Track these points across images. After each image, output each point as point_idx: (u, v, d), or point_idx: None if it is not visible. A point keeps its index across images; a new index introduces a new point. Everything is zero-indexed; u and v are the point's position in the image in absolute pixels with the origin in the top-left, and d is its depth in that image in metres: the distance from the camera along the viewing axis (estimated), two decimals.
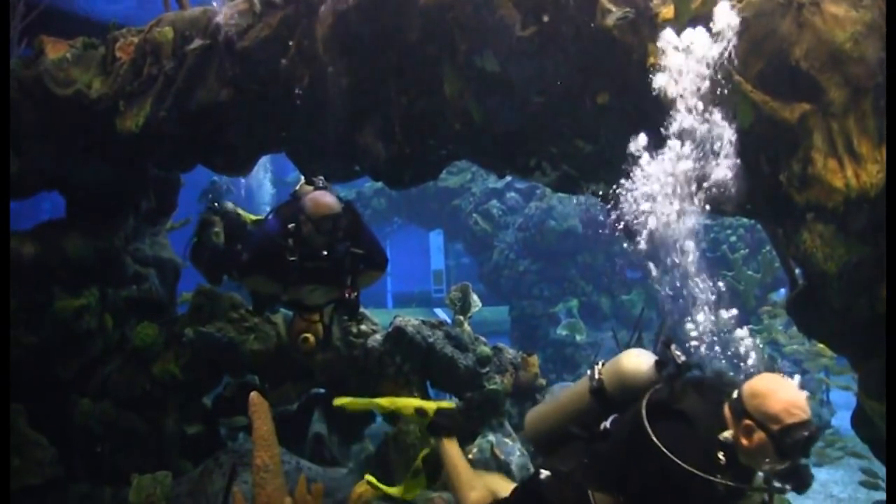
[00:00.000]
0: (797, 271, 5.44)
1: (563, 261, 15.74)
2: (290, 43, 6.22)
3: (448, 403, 4.80)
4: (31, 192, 7.43)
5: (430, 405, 4.73)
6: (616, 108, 5.36)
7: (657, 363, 3.72)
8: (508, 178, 16.32)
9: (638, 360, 3.79)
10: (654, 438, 3.24)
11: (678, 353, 3.63)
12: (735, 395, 3.35)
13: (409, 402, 4.83)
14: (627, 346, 7.15)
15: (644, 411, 3.36)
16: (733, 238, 14.64)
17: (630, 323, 13.75)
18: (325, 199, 6.11)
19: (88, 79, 6.82)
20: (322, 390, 8.34)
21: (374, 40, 5.97)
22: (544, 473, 3.78)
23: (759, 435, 3.19)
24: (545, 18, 5.31)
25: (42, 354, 7.33)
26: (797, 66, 4.69)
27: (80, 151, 7.16)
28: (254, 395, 5.16)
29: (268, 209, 6.72)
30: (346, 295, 6.39)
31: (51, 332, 7.37)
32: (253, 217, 7.31)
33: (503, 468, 6.93)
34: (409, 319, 7.64)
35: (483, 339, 7.90)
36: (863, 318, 4.77)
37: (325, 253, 6.11)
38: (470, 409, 7.27)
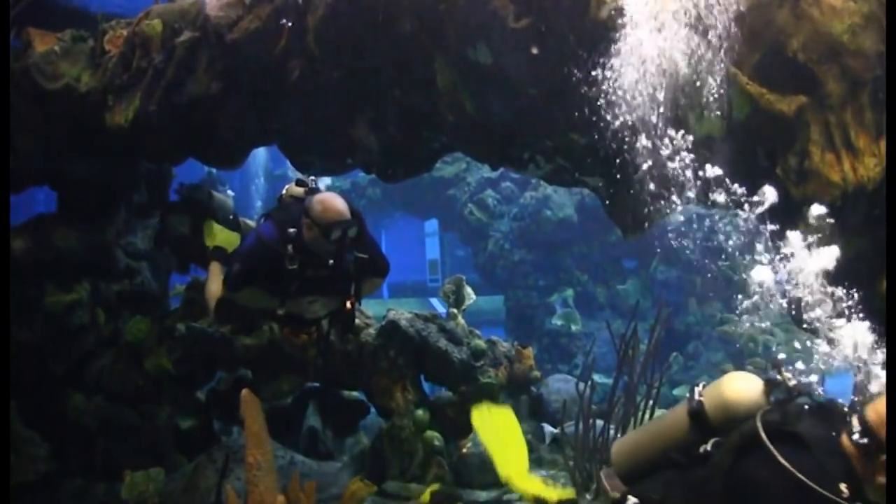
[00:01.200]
0: None
1: (559, 250, 15.68)
2: (281, 35, 6.16)
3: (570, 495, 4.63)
4: (22, 187, 7.39)
5: (552, 494, 4.69)
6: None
7: (766, 385, 3.43)
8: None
9: (746, 384, 3.50)
10: (777, 455, 2.98)
11: (789, 376, 3.41)
12: (858, 422, 3.03)
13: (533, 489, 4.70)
14: (623, 337, 7.13)
15: (761, 430, 3.09)
16: (729, 228, 14.60)
17: (626, 313, 13.73)
18: (335, 203, 5.32)
19: (77, 72, 6.77)
20: (316, 384, 8.31)
21: (366, 32, 5.90)
22: (632, 501, 3.53)
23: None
24: (538, 10, 5.25)
25: (34, 350, 7.29)
26: (794, 57, 4.64)
27: (71, 145, 7.10)
28: (245, 392, 5.13)
29: (260, 204, 6.58)
30: (349, 305, 5.81)
31: (43, 327, 7.34)
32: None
33: None
34: (403, 313, 7.60)
35: (477, 332, 7.86)
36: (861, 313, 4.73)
37: (332, 262, 5.47)
38: (464, 402, 7.23)
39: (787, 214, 4.81)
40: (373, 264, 5.79)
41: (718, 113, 4.89)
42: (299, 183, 5.88)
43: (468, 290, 8.23)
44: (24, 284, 7.23)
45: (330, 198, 5.36)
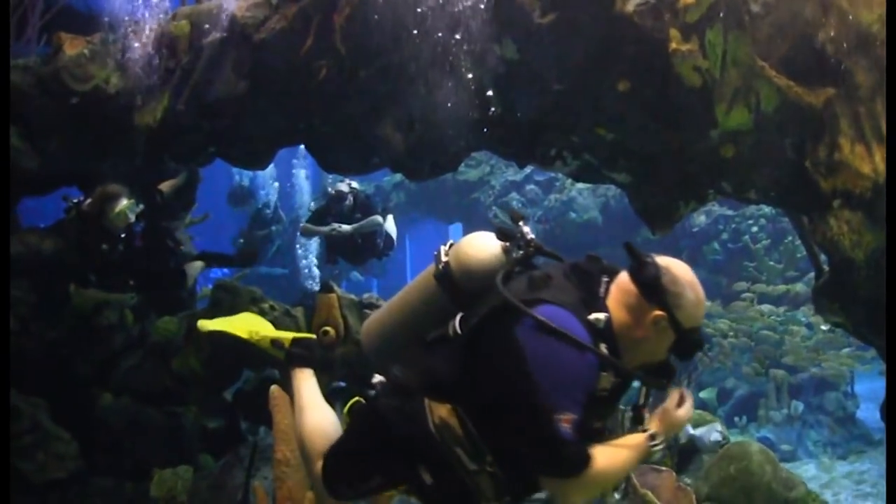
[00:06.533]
0: (823, 259, 5.37)
1: (584, 253, 15.57)
2: (307, 34, 6.19)
3: (308, 335, 3.94)
4: (51, 189, 7.43)
5: (287, 335, 3.93)
6: (638, 95, 5.29)
7: (502, 240, 3.01)
8: (528, 171, 16.25)
9: (483, 240, 3.06)
10: (533, 314, 2.56)
11: (527, 230, 2.99)
12: (633, 277, 2.74)
13: (266, 333, 3.98)
14: None
15: (505, 292, 2.66)
16: (755, 228, 14.52)
17: None
18: None
19: (106, 74, 6.81)
20: (342, 384, 8.30)
21: (391, 30, 5.92)
22: (377, 378, 3.21)
23: (665, 326, 2.69)
24: (564, 5, 5.25)
25: (63, 349, 7.33)
26: (822, 49, 4.62)
27: (99, 147, 7.15)
28: (274, 388, 5.15)
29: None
30: None
31: (71, 327, 7.38)
32: None
33: None
34: None
35: None
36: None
37: None
38: None
39: (817, 207, 4.79)
40: None
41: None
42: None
43: None
44: (54, 285, 7.28)
45: None
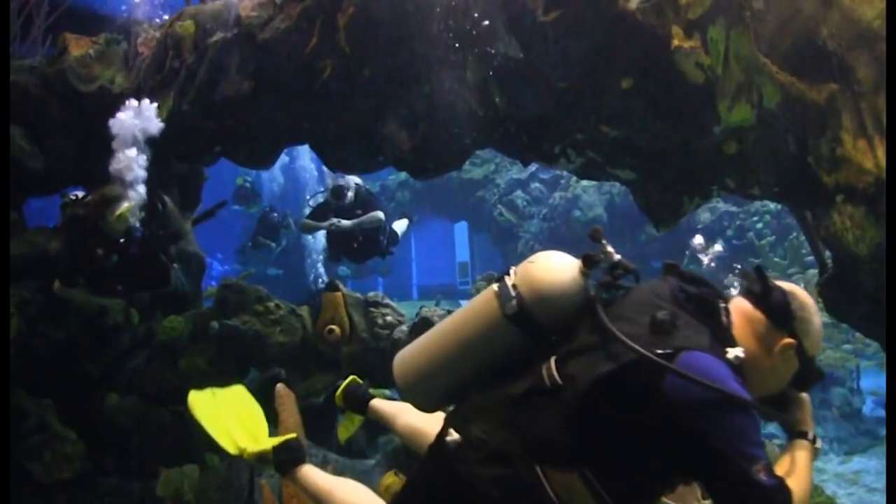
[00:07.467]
0: (826, 254, 5.38)
1: (589, 250, 15.63)
2: (312, 34, 6.21)
3: (287, 436, 3.37)
4: (56, 189, 7.45)
5: (268, 446, 3.39)
6: (641, 91, 5.31)
7: (584, 262, 2.69)
8: (532, 169, 16.28)
9: (558, 262, 2.72)
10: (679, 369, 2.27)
11: (611, 249, 2.70)
12: (760, 303, 2.56)
13: (252, 450, 3.41)
14: None
15: (640, 350, 2.32)
16: (759, 225, 14.53)
17: None
18: None
19: (111, 74, 6.85)
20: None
21: (395, 29, 5.94)
22: (453, 436, 2.59)
23: (791, 355, 2.53)
24: (567, 2, 5.27)
25: (69, 349, 7.35)
26: (824, 45, 4.63)
27: (105, 147, 7.18)
28: (280, 386, 5.16)
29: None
30: None
31: (77, 327, 7.40)
32: None
33: None
34: (435, 309, 7.61)
35: None
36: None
37: None
38: None
39: (820, 202, 4.80)
40: None
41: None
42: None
43: None
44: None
45: None
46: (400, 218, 10.28)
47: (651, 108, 5.30)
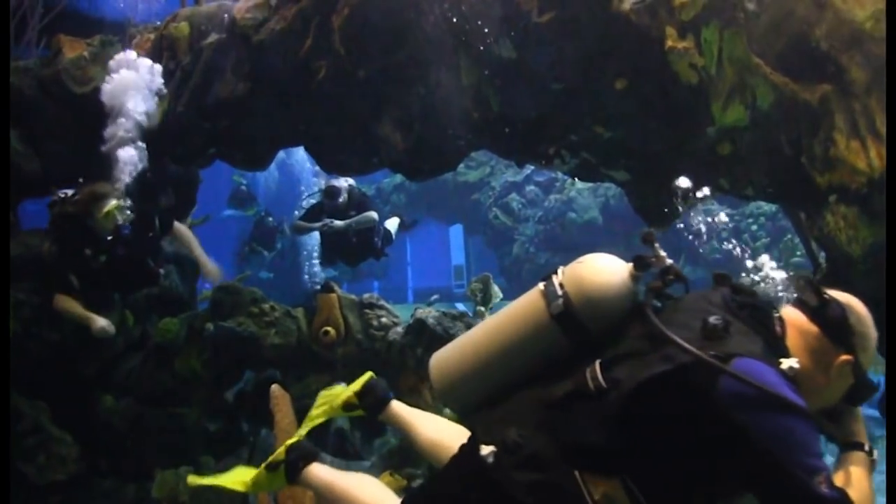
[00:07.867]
0: (820, 255, 5.39)
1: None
2: (307, 35, 6.21)
3: (289, 441, 3.31)
4: (52, 191, 7.45)
5: (274, 457, 3.28)
6: (635, 92, 5.33)
7: (635, 265, 2.62)
8: (528, 172, 16.29)
9: (610, 266, 2.66)
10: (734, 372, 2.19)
11: (663, 253, 2.63)
12: (815, 317, 2.46)
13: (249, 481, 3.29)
14: None
15: (694, 352, 2.25)
16: (755, 227, 14.55)
17: None
18: None
19: (106, 76, 6.85)
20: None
21: (390, 30, 5.95)
22: (487, 450, 2.48)
23: (848, 371, 2.42)
24: (561, 4, 5.29)
25: (64, 351, 7.34)
26: (817, 46, 4.65)
27: (100, 149, 7.17)
28: (275, 387, 5.18)
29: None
30: None
31: (72, 329, 7.38)
32: None
33: None
34: (430, 311, 7.60)
35: None
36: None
37: None
38: None
39: (813, 203, 4.81)
40: None
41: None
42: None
43: (495, 288, 8.21)
44: (54, 287, 7.28)
45: None
46: (390, 217, 10.29)
47: (645, 109, 5.32)
